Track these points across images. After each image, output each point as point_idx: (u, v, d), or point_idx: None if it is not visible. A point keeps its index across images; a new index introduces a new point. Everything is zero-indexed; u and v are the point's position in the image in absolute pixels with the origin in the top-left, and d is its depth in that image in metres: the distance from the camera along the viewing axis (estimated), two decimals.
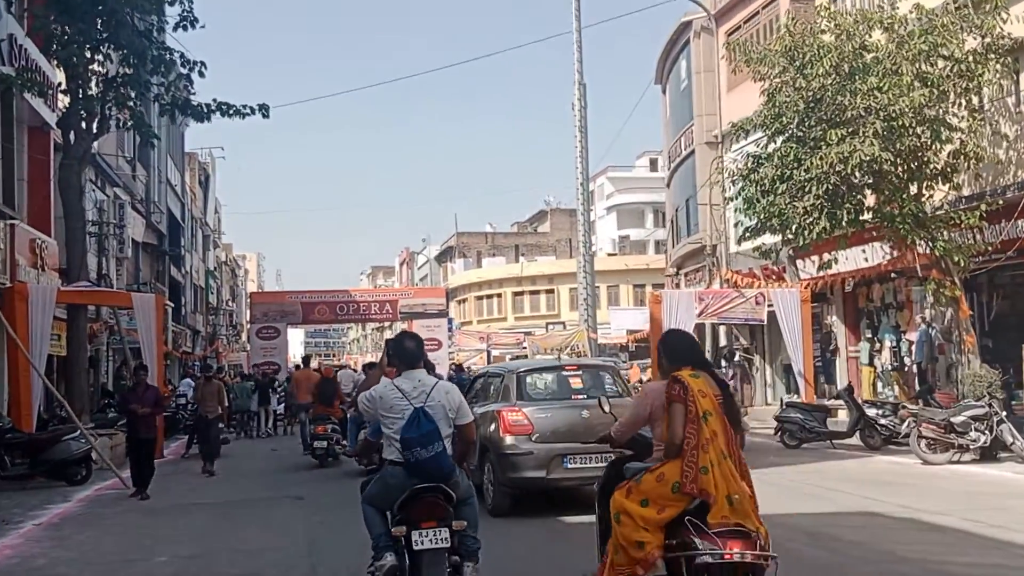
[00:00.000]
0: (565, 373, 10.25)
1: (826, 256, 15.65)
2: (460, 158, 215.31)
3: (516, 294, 63.51)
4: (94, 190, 24.71)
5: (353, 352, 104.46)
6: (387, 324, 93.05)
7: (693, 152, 26.14)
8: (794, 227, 14.37)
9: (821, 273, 16.62)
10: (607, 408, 6.04)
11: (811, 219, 13.84)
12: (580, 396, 9.66)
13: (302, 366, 21.04)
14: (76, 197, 16.35)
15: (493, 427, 9.64)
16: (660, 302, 20.59)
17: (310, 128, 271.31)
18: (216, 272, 60.51)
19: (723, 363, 25.30)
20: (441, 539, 5.28)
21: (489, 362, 49.65)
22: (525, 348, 48.08)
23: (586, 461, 8.92)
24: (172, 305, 37.28)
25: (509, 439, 9.34)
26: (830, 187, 13.64)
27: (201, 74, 17.64)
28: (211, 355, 52.15)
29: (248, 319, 46.99)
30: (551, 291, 62.18)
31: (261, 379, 26.07)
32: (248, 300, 53.43)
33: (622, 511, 4.86)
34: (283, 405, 25.73)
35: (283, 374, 32.85)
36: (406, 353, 5.66)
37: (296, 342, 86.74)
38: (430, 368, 6.43)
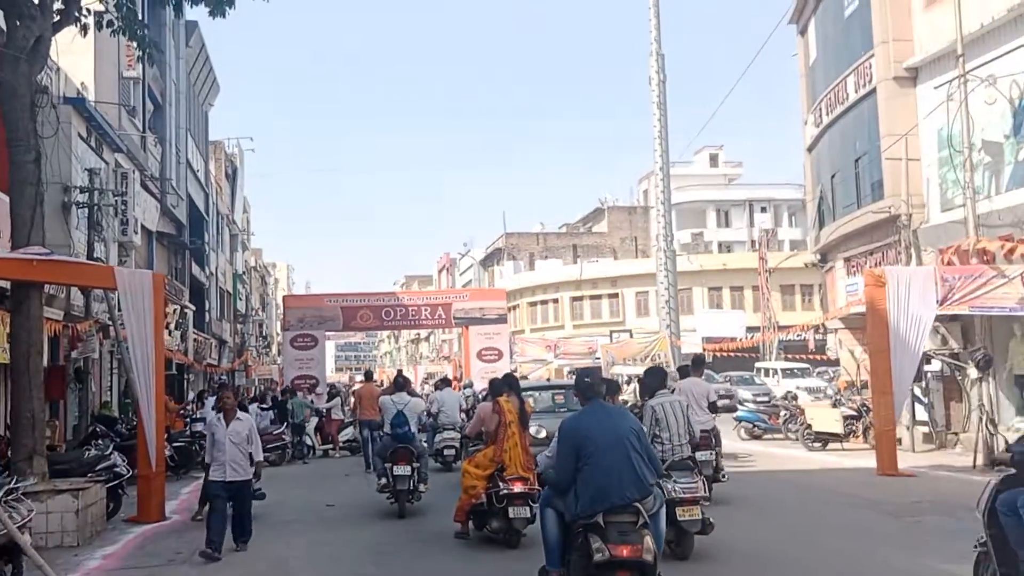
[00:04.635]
0: (551, 392, 15.14)
1: None
2: (504, 158, 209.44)
3: (575, 299, 57.24)
4: (83, 149, 18.72)
5: (386, 366, 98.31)
6: (422, 335, 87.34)
7: (871, 93, 19.71)
8: None
9: None
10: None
11: None
12: (562, 410, 13.77)
13: (365, 380, 19.34)
14: (23, 113, 10.32)
15: None
16: (883, 284, 14.34)
17: (338, 121, 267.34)
18: (245, 276, 54.70)
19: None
20: (408, 470, 11.19)
21: (554, 376, 43.51)
22: (598, 359, 41.65)
23: None
24: (193, 308, 31.47)
25: None
26: None
27: None
28: (240, 368, 46.45)
29: (281, 327, 41.24)
30: (615, 295, 55.84)
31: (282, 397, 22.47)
32: (280, 307, 47.62)
33: (465, 471, 9.47)
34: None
35: (322, 387, 28.11)
36: (398, 386, 12.93)
37: (327, 355, 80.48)
38: (411, 392, 13.38)
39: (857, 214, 20.74)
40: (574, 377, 7.47)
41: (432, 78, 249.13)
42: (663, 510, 6.13)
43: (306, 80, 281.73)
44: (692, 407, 11.08)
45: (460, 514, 9.44)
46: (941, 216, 18.32)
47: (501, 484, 8.97)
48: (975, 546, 5.95)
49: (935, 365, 18.55)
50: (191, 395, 28.06)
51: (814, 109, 23.58)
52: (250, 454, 9.38)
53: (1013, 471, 5.70)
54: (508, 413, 9.25)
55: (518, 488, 8.90)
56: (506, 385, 9.79)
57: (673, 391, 11.42)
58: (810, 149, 24.67)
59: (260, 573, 8.43)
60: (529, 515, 8.86)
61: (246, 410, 18.20)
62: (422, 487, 11.50)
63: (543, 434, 12.01)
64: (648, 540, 5.49)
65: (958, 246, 15.95)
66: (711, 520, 8.12)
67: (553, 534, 6.07)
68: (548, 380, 33.92)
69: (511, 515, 8.91)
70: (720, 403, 13.79)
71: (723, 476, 11.97)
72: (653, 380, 9.30)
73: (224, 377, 36.32)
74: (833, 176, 22.64)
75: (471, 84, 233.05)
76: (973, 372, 15.87)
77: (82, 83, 21.10)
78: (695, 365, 12.43)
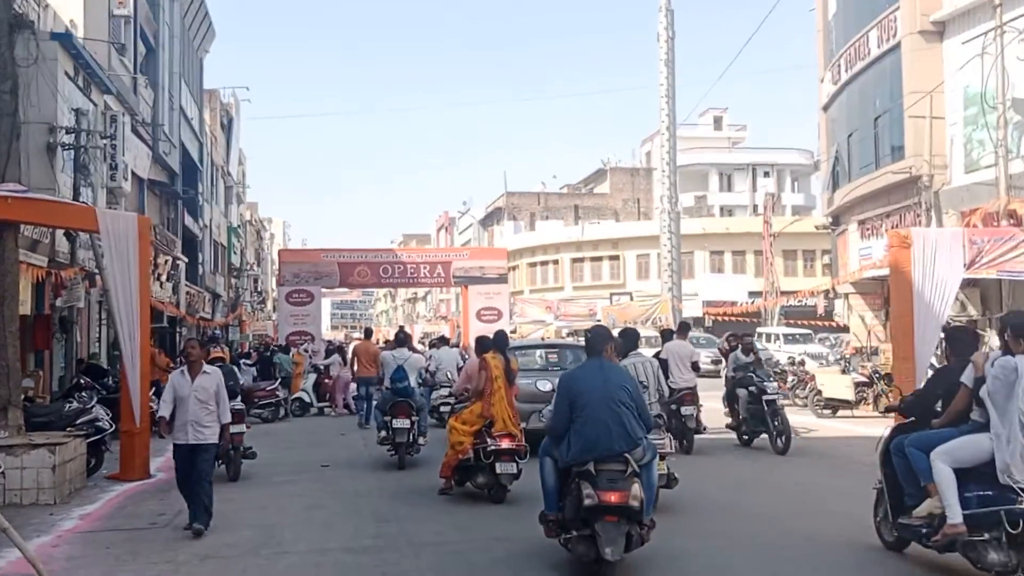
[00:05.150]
0: (546, 350, 15.01)
1: None
2: (506, 115, 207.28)
3: (575, 260, 56.51)
4: (70, 89, 17.85)
5: (382, 325, 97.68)
6: (420, 294, 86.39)
7: (895, 48, 18.89)
8: None
9: None
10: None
11: None
12: (555, 368, 13.42)
13: (364, 338, 19.02)
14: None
15: None
16: (909, 245, 13.57)
17: (333, 80, 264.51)
18: (240, 230, 53.83)
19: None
20: (408, 423, 11.55)
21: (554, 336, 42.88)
22: (598, 321, 41.17)
23: None
24: (185, 259, 30.69)
25: None
26: None
27: None
28: (233, 323, 45.82)
29: (276, 282, 40.60)
30: (615, 257, 55.10)
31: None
32: (276, 262, 46.87)
33: (452, 427, 9.61)
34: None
35: (318, 344, 27.58)
36: (399, 341, 13.28)
37: (323, 313, 79.08)
38: (411, 348, 14.08)
39: (875, 175, 20.02)
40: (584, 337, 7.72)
41: (435, 34, 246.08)
42: (656, 460, 6.51)
43: (302, 30, 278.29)
44: (677, 366, 12.85)
45: (446, 469, 9.60)
46: (965, 177, 17.62)
47: (489, 440, 9.16)
48: (874, 487, 6.87)
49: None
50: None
51: (832, 66, 22.72)
52: (218, 416, 8.14)
53: (907, 420, 6.63)
54: (494, 369, 9.42)
55: (505, 444, 9.09)
56: (493, 343, 9.91)
57: (659, 352, 13.15)
58: (826, 108, 23.86)
59: (248, 542, 7.77)
60: (515, 471, 9.11)
61: (239, 367, 17.80)
62: (421, 440, 12.07)
63: (548, 387, 12.06)
64: (636, 487, 5.84)
65: (983, 209, 15.26)
66: (676, 475, 8.62)
67: (551, 481, 6.49)
68: (544, 339, 33.50)
69: (498, 470, 9.07)
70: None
71: (703, 428, 13.13)
72: (627, 341, 10.06)
73: (217, 331, 35.62)
74: (850, 136, 21.85)
75: (474, 39, 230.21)
76: (996, 339, 15.25)
77: (71, 20, 20.18)
78: (680, 330, 14.35)
